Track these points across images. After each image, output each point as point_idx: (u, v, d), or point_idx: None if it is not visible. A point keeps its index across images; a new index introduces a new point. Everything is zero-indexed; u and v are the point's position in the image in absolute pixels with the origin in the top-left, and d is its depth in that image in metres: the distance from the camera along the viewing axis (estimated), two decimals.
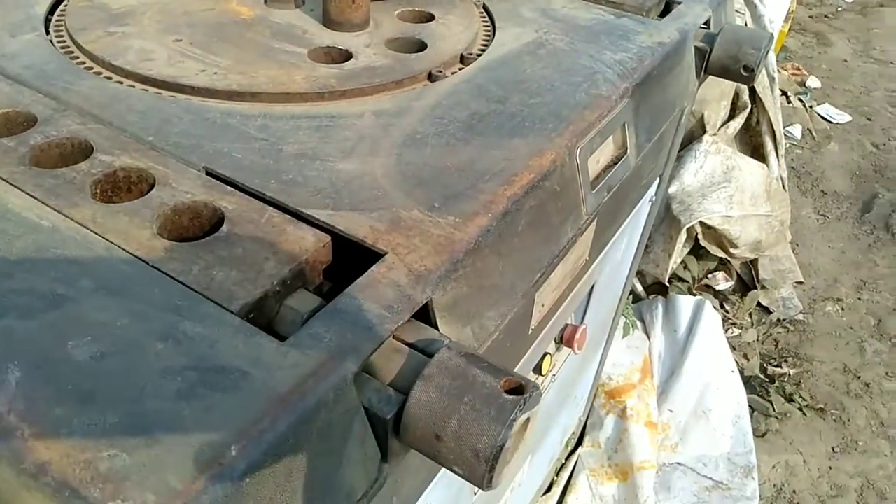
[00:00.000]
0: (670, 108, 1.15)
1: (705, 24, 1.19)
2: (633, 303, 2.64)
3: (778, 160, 2.88)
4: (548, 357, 1.17)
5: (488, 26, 1.10)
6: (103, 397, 0.46)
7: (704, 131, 2.66)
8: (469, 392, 0.51)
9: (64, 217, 0.61)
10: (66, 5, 1.01)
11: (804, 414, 2.54)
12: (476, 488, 1.07)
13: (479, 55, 0.99)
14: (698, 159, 2.60)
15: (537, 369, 1.16)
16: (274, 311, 0.57)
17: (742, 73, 1.14)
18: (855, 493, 2.33)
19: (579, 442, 2.22)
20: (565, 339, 1.26)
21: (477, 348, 0.69)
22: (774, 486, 2.33)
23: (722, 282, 2.92)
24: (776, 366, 2.72)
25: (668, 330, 2.49)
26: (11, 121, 0.74)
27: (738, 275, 2.98)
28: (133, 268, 0.57)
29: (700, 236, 2.69)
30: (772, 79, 2.80)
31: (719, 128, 2.72)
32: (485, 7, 1.15)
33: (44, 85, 0.81)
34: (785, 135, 3.46)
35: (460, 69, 0.96)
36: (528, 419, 0.54)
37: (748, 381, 2.56)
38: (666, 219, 2.61)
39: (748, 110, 2.77)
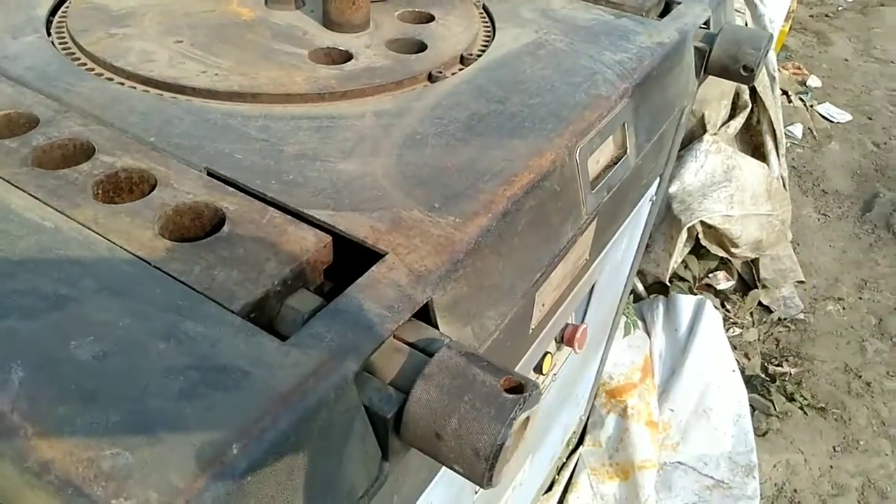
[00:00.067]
0: (670, 108, 1.15)
1: (705, 24, 1.19)
2: (633, 302, 2.64)
3: (779, 159, 2.88)
4: (548, 356, 1.18)
5: (488, 27, 1.10)
6: (106, 396, 0.46)
7: (705, 131, 2.66)
8: (469, 391, 0.52)
9: (66, 218, 0.62)
10: (67, 7, 1.01)
11: (805, 413, 2.54)
12: (477, 487, 1.08)
13: (479, 56, 1.00)
14: (699, 159, 2.60)
15: (538, 368, 1.16)
16: (275, 311, 0.58)
17: (742, 72, 1.14)
18: (856, 492, 2.33)
19: (580, 441, 2.23)
20: (566, 338, 1.26)
21: (477, 348, 0.69)
22: (775, 485, 2.33)
23: (723, 281, 2.92)
24: (777, 365, 2.72)
25: (668, 329, 2.49)
26: (13, 122, 0.75)
27: (738, 274, 2.98)
28: (135, 268, 0.57)
29: (701, 236, 2.69)
30: (772, 78, 2.80)
31: (720, 127, 2.73)
32: (485, 8, 1.15)
33: (45, 86, 0.81)
34: (785, 134, 3.47)
35: (460, 70, 0.96)
36: (528, 418, 0.54)
37: (749, 381, 2.56)
38: (666, 218, 2.61)
39: (749, 110, 2.77)
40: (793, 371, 2.69)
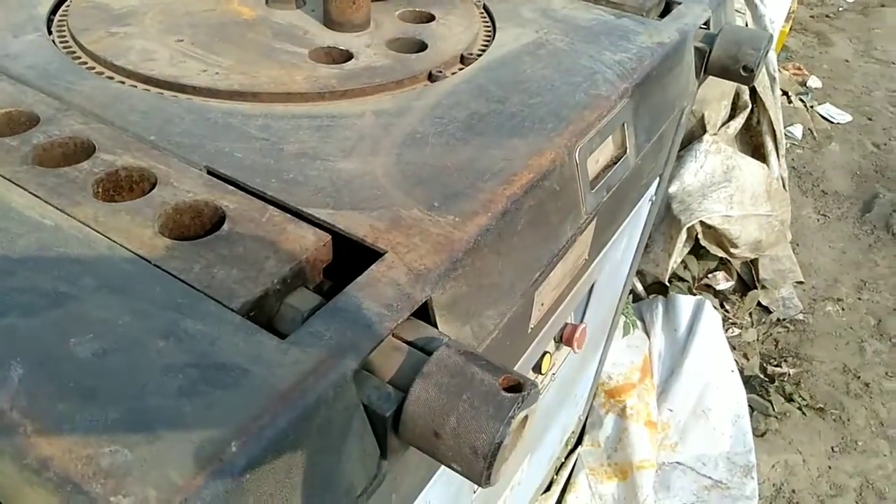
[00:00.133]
0: (670, 108, 1.15)
1: (705, 24, 1.19)
2: (633, 302, 2.64)
3: (778, 160, 2.89)
4: (547, 356, 1.18)
5: (488, 27, 1.10)
6: (105, 394, 0.47)
7: (705, 131, 2.66)
8: (468, 390, 0.52)
9: (66, 216, 0.62)
10: (68, 6, 1.01)
11: (804, 413, 2.55)
12: (475, 486, 1.08)
13: (480, 55, 1.00)
14: (698, 159, 2.60)
15: (537, 368, 1.17)
16: (274, 310, 0.58)
17: (742, 73, 1.14)
18: (854, 493, 2.33)
19: (579, 441, 2.23)
20: (565, 338, 1.26)
21: (476, 347, 0.70)
22: (774, 485, 2.33)
23: (722, 281, 2.92)
24: (776, 365, 2.72)
25: (668, 329, 2.49)
26: (14, 120, 0.75)
27: (738, 274, 2.98)
28: (135, 266, 0.58)
29: (700, 236, 2.69)
30: (772, 79, 2.80)
31: (720, 128, 2.73)
32: (485, 7, 1.15)
33: (46, 85, 0.81)
34: (785, 135, 3.47)
35: (460, 69, 0.96)
36: (526, 417, 0.54)
37: (748, 381, 2.56)
38: (666, 218, 2.62)
39: (749, 110, 2.77)
40: (791, 371, 2.70)
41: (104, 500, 0.41)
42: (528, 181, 0.75)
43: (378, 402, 0.53)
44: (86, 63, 0.88)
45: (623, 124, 0.95)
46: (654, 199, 1.47)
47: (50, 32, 0.95)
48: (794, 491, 2.32)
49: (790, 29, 4.46)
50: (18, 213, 0.62)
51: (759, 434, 2.43)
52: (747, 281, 2.98)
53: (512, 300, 0.76)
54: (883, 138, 4.11)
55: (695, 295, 2.67)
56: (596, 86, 0.93)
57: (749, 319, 2.89)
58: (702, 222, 2.59)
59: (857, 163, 3.88)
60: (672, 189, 2.57)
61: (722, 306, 2.88)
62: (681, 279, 2.79)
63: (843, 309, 3.00)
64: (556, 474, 2.15)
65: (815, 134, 4.07)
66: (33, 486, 0.43)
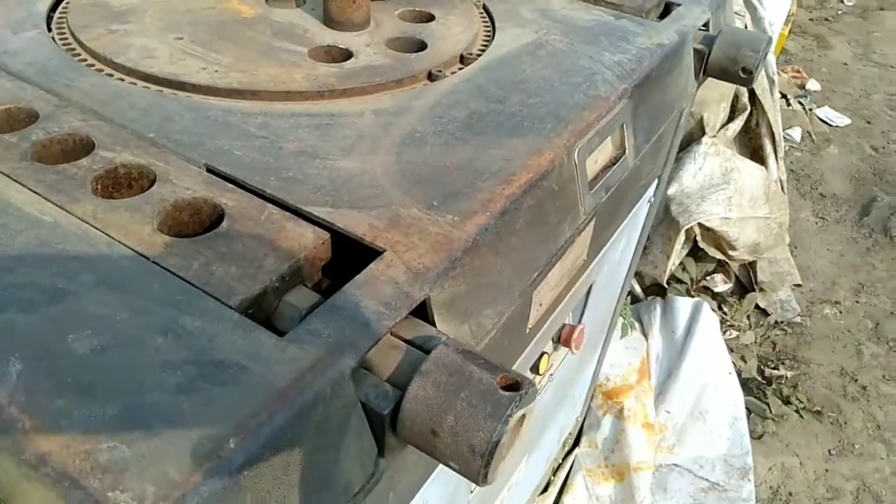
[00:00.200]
0: (669, 109, 1.15)
1: (704, 26, 1.19)
2: (631, 304, 2.64)
3: (777, 163, 2.89)
4: (545, 356, 1.18)
5: (488, 27, 1.10)
6: (103, 390, 0.47)
7: (704, 133, 2.67)
8: (465, 388, 0.52)
9: (65, 212, 0.62)
10: (67, 3, 1.01)
11: (801, 416, 2.55)
12: (473, 485, 1.08)
13: (479, 55, 1.00)
14: (697, 161, 2.60)
15: (535, 368, 1.17)
16: (273, 307, 0.58)
17: (741, 75, 1.15)
18: (851, 496, 2.33)
19: (576, 442, 2.23)
20: (563, 338, 1.26)
21: (474, 346, 0.70)
22: (770, 487, 2.34)
23: (720, 283, 2.93)
24: (773, 368, 2.72)
25: (665, 331, 2.49)
26: (13, 117, 0.75)
27: (736, 277, 2.98)
28: (133, 263, 0.58)
29: (699, 238, 2.69)
30: (771, 81, 2.80)
31: (718, 130, 2.73)
32: (485, 7, 1.15)
33: (46, 81, 0.81)
34: (784, 137, 3.47)
35: (460, 69, 0.96)
36: (523, 416, 0.54)
37: (745, 383, 2.57)
38: (665, 220, 2.62)
39: (747, 112, 2.78)
40: (789, 374, 2.70)
41: (102, 495, 0.41)
42: (527, 181, 0.75)
43: (376, 400, 0.53)
44: (85, 60, 0.88)
45: (622, 125, 0.96)
46: (652, 200, 1.48)
47: (49, 29, 0.95)
48: (790, 494, 2.32)
49: (789, 32, 4.46)
50: (17, 209, 0.62)
51: (756, 436, 2.43)
52: (745, 283, 2.98)
53: (510, 300, 0.76)
54: (881, 142, 4.12)
55: (693, 297, 2.68)
56: (595, 86, 0.93)
57: (747, 322, 2.89)
58: (700, 224, 2.60)
59: (855, 166, 3.89)
60: (671, 191, 2.57)
61: (720, 308, 2.89)
62: (679, 281, 2.80)
63: (840, 312, 3.00)
64: (554, 475, 2.15)
65: (813, 137, 4.08)
66: (31, 482, 0.43)
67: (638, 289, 2.72)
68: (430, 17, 1.09)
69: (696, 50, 1.16)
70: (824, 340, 2.86)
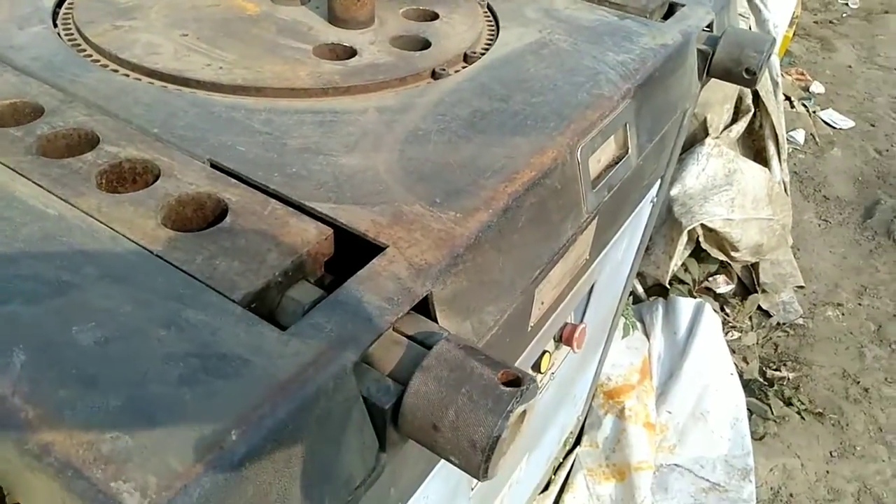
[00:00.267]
0: (672, 109, 1.15)
1: (708, 26, 1.20)
2: (633, 304, 2.64)
3: (780, 164, 2.89)
4: (547, 355, 1.18)
5: (492, 26, 1.11)
6: (107, 381, 0.47)
7: (707, 134, 2.66)
8: (467, 383, 0.52)
9: (70, 206, 0.62)
10: None
11: (802, 418, 2.55)
12: (474, 483, 1.08)
13: (483, 54, 1.00)
14: (700, 162, 2.60)
15: (536, 367, 1.17)
16: (275, 302, 0.58)
17: (744, 75, 1.15)
18: (852, 498, 2.33)
19: (577, 441, 2.23)
20: (565, 337, 1.27)
21: (476, 343, 0.70)
22: (771, 489, 2.34)
23: (722, 285, 2.93)
24: (775, 369, 2.72)
25: (667, 331, 2.49)
26: (19, 111, 0.75)
27: (738, 278, 2.98)
28: (137, 257, 0.58)
29: (701, 239, 2.69)
30: (775, 83, 2.80)
31: (722, 131, 2.73)
32: (489, 7, 1.16)
33: (51, 76, 0.82)
34: (788, 139, 3.47)
35: (464, 67, 0.96)
36: (524, 412, 0.54)
37: (747, 384, 2.57)
38: (667, 221, 2.62)
39: (751, 114, 2.77)
40: (791, 376, 2.70)
41: (104, 485, 0.41)
42: (530, 179, 0.75)
43: (377, 395, 0.53)
44: (91, 56, 0.89)
45: (625, 124, 0.96)
46: (655, 200, 1.48)
47: (55, 25, 0.95)
48: (791, 495, 2.32)
49: (793, 34, 4.46)
50: (22, 202, 0.62)
51: (757, 437, 2.43)
52: (748, 284, 2.98)
53: (512, 297, 0.76)
54: (885, 144, 4.11)
55: (695, 298, 2.68)
56: (598, 86, 0.93)
57: (749, 323, 2.89)
58: (703, 225, 2.60)
59: (858, 168, 3.89)
60: (673, 191, 2.57)
61: (722, 309, 2.88)
62: (681, 282, 2.79)
63: (843, 314, 3.00)
64: (555, 474, 2.15)
65: (817, 139, 4.07)
66: (34, 472, 0.43)
67: (640, 289, 2.72)
68: (435, 16, 1.09)
69: (699, 50, 1.16)
70: (826, 342, 2.86)
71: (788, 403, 2.57)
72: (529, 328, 0.94)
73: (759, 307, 2.93)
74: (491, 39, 1.06)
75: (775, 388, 2.62)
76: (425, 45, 1.00)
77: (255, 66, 0.88)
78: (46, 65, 0.84)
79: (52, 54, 0.87)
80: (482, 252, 0.68)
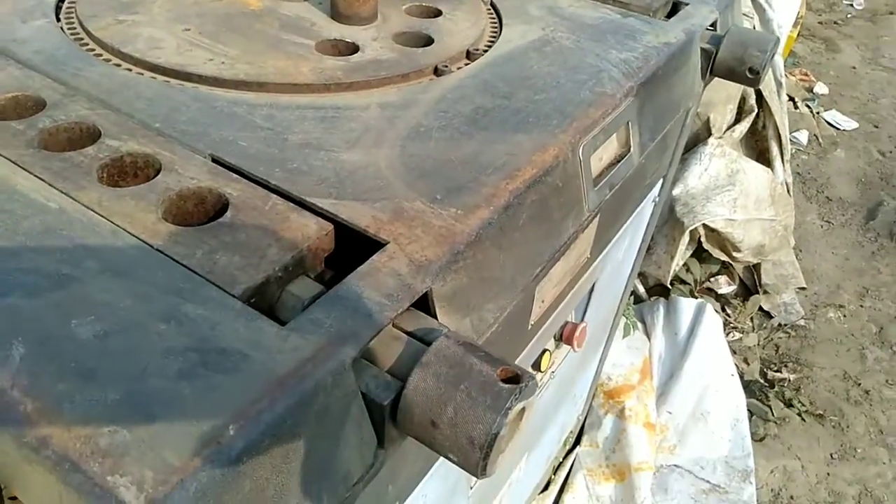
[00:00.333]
0: (675, 108, 1.15)
1: (712, 25, 1.19)
2: (634, 304, 2.64)
3: (783, 165, 2.88)
4: (547, 354, 1.18)
5: (495, 23, 1.10)
6: (105, 375, 0.47)
7: (710, 134, 2.66)
8: (466, 380, 0.52)
9: (71, 199, 0.62)
10: None
11: (803, 419, 2.54)
12: (473, 481, 1.08)
13: (486, 51, 1.00)
14: (703, 162, 2.60)
15: (536, 365, 1.17)
16: (275, 297, 0.58)
17: (747, 75, 1.14)
18: (853, 501, 2.33)
19: (577, 441, 2.23)
20: (565, 336, 1.26)
21: (476, 340, 0.70)
22: (772, 490, 2.33)
23: (724, 285, 2.92)
24: (776, 370, 2.72)
25: (668, 332, 2.49)
26: (21, 104, 0.75)
27: (740, 279, 2.98)
28: (138, 250, 0.58)
29: (703, 239, 2.69)
30: (779, 84, 2.80)
31: (725, 131, 2.73)
32: (492, 4, 1.15)
33: (53, 70, 0.82)
34: (791, 140, 3.46)
35: (466, 64, 0.96)
36: (523, 409, 0.54)
37: (748, 385, 2.56)
38: (669, 220, 2.61)
39: (754, 114, 2.77)
40: (792, 377, 2.69)
41: (101, 479, 0.41)
42: (531, 176, 0.75)
43: (376, 391, 0.53)
44: (93, 50, 0.89)
45: (627, 123, 0.95)
46: (657, 200, 1.47)
47: (58, 19, 0.95)
48: (792, 497, 2.32)
49: (798, 34, 4.45)
50: (24, 195, 0.62)
51: (757, 439, 2.42)
52: (749, 285, 2.98)
53: (512, 294, 0.76)
54: (889, 146, 4.10)
55: (696, 298, 2.67)
56: (601, 84, 0.93)
57: (750, 324, 2.89)
58: (705, 225, 2.59)
59: (862, 170, 3.88)
60: (676, 191, 2.57)
61: (723, 310, 2.88)
62: (682, 282, 2.79)
63: (844, 316, 2.99)
64: (554, 474, 2.15)
65: (820, 140, 4.06)
66: (32, 465, 0.43)
67: (641, 289, 2.72)
68: (438, 13, 1.09)
69: (703, 49, 1.16)
70: (828, 344, 2.86)
71: (789, 405, 2.57)
72: (530, 326, 0.94)
73: (761, 308, 2.93)
74: (494, 36, 1.06)
75: (776, 389, 2.62)
76: (428, 41, 0.99)
77: (257, 61, 0.88)
78: (49, 58, 0.84)
79: (54, 48, 0.86)
80: (483, 249, 0.68)
